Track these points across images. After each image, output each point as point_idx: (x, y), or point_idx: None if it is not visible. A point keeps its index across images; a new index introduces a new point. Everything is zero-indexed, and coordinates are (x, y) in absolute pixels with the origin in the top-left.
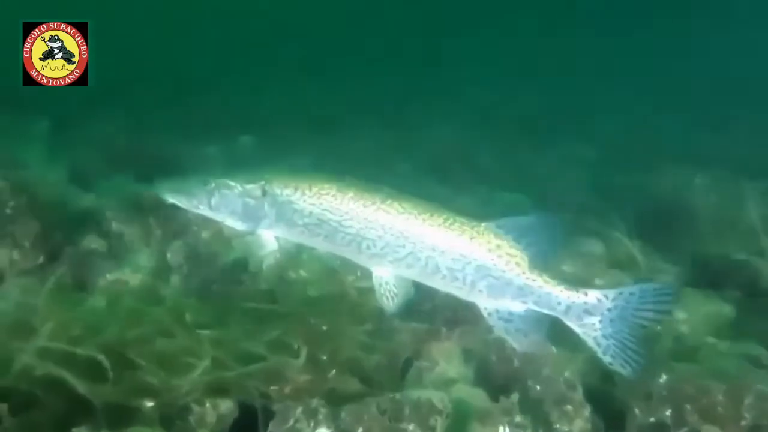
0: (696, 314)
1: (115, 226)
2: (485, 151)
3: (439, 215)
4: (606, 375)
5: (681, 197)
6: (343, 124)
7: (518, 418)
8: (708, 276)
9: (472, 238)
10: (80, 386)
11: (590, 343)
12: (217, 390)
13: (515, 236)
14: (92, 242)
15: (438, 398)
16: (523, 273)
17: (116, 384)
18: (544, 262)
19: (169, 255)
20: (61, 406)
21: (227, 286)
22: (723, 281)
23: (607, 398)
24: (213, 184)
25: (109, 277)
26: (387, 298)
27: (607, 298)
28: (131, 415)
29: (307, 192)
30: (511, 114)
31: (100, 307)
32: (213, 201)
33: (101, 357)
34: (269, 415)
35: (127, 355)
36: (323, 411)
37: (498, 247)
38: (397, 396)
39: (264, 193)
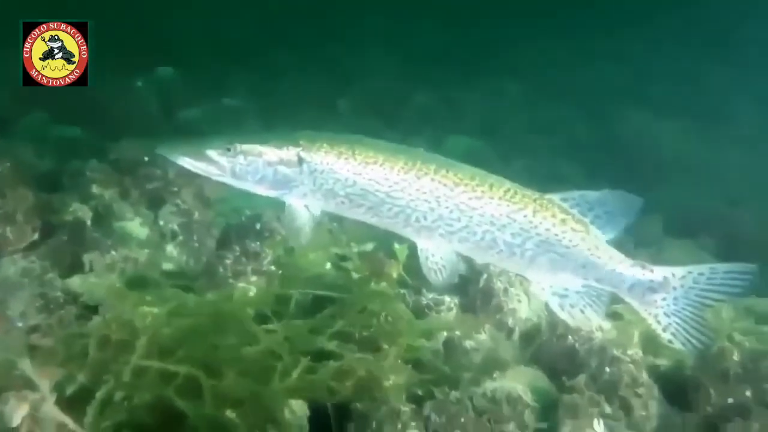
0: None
1: (96, 189)
2: (419, 89)
3: (499, 186)
4: (670, 353)
5: (647, 143)
6: (273, 61)
7: (608, 409)
8: (682, 224)
9: (535, 212)
10: (183, 405)
11: (650, 320)
12: (293, 392)
13: (581, 210)
14: (78, 211)
15: (521, 390)
16: (588, 249)
17: (209, 398)
18: (610, 237)
19: (161, 223)
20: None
21: (241, 259)
22: (698, 230)
23: (675, 379)
24: (238, 149)
25: (116, 254)
26: (435, 272)
27: (674, 276)
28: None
29: (351, 160)
30: (436, 49)
31: (165, 309)
32: (237, 168)
33: (199, 373)
34: (343, 414)
35: (214, 365)
36: (406, 411)
37: (563, 221)
38: (486, 391)
39: (300, 159)
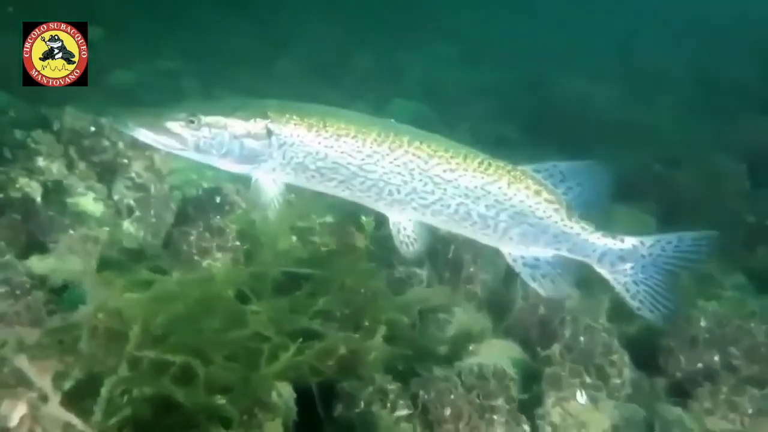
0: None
1: (42, 163)
2: (360, 51)
3: (473, 158)
4: (636, 320)
5: (584, 107)
6: (204, 19)
7: (588, 379)
8: (624, 188)
9: (509, 184)
10: (180, 395)
11: (618, 288)
12: (281, 374)
13: (553, 182)
14: (26, 187)
15: (505, 364)
16: (561, 220)
17: (203, 386)
18: (581, 208)
19: (116, 198)
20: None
21: (205, 235)
22: (639, 193)
23: (644, 344)
24: (203, 121)
25: (74, 234)
26: (406, 245)
27: (643, 244)
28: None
29: (322, 132)
30: (373, 11)
31: (148, 294)
32: (201, 141)
33: (196, 362)
34: (329, 395)
35: (205, 351)
36: (393, 388)
37: (536, 193)
38: (473, 367)
39: (269, 132)
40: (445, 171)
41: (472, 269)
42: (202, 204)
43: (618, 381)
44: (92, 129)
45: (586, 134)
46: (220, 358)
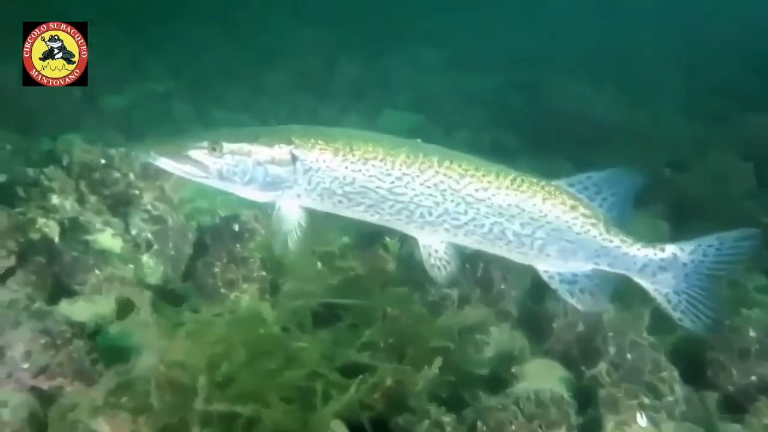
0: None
1: (56, 200)
2: (347, 60)
3: (505, 176)
4: (675, 332)
5: (581, 112)
6: (194, 39)
7: (646, 400)
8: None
9: (544, 200)
10: None
11: (660, 299)
12: (338, 413)
13: (588, 194)
14: (45, 227)
15: (556, 387)
16: (600, 235)
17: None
18: (618, 218)
19: (134, 232)
20: None
21: (230, 266)
22: (646, 197)
23: (685, 358)
24: (225, 148)
25: (100, 274)
26: (438, 268)
27: (683, 251)
28: None
29: (349, 156)
30: (359, 19)
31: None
32: (225, 169)
33: (263, 411)
34: (380, 429)
35: (266, 396)
36: (449, 420)
37: (573, 208)
38: (530, 393)
39: (294, 158)
40: (477, 190)
41: (502, 286)
42: (220, 233)
43: (671, 399)
44: (102, 161)
45: (587, 139)
46: (277, 401)
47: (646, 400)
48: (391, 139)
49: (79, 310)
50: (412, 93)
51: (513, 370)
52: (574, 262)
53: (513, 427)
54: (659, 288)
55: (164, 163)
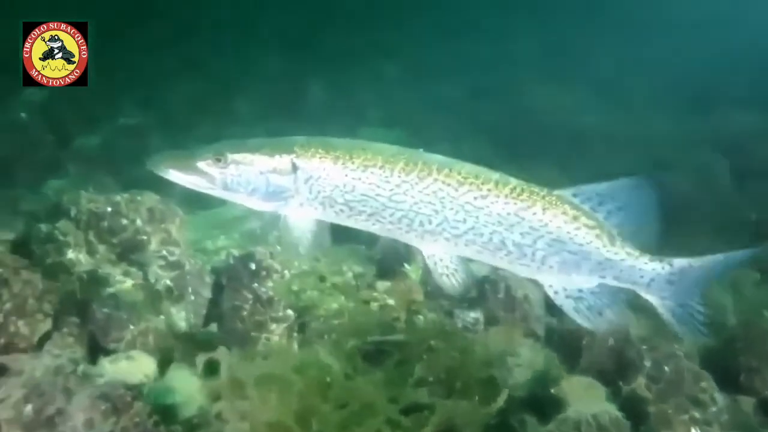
0: None
1: (72, 254)
2: (313, 81)
3: (505, 184)
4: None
5: (555, 116)
6: (161, 72)
7: (696, 414)
8: None
9: (544, 209)
10: None
11: (664, 311)
12: None
13: (592, 205)
14: (68, 284)
15: (606, 407)
16: (604, 246)
17: None
18: (627, 231)
19: (152, 280)
20: None
21: (257, 307)
22: None
23: (721, 363)
24: (229, 159)
25: (134, 329)
26: (447, 277)
27: (691, 266)
28: None
29: (349, 164)
30: (317, 38)
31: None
32: (229, 179)
33: None
34: None
35: None
36: None
37: (574, 218)
38: (588, 418)
39: (294, 167)
40: (476, 198)
41: (526, 306)
42: (236, 273)
43: (714, 408)
44: (109, 209)
45: (563, 144)
46: None
47: (697, 414)
48: (393, 148)
49: (123, 369)
50: (382, 108)
51: (552, 390)
52: (579, 276)
53: None
54: (666, 303)
55: (173, 175)
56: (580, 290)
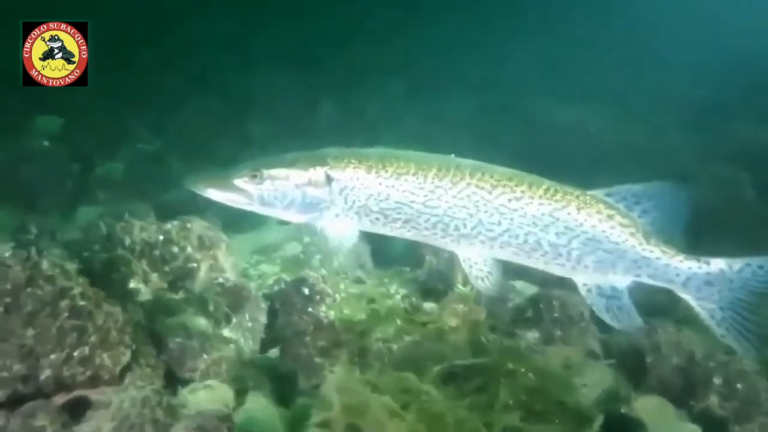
0: None
1: (133, 284)
2: (324, 98)
3: (539, 185)
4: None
5: (571, 131)
6: (174, 96)
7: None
8: None
9: (579, 209)
10: None
11: (704, 315)
12: None
13: (627, 205)
14: (136, 315)
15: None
16: (639, 244)
17: None
18: (660, 231)
19: (211, 308)
20: None
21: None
22: None
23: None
24: (265, 174)
25: (207, 357)
26: (482, 279)
27: (731, 268)
28: None
29: (382, 173)
30: (325, 57)
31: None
32: (266, 194)
33: None
34: None
35: None
36: None
37: (609, 217)
38: None
39: (329, 178)
40: (510, 200)
41: (582, 324)
42: (290, 298)
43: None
44: (161, 238)
45: (583, 159)
46: None
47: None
48: (425, 155)
49: (203, 399)
50: (394, 125)
51: (623, 410)
52: (614, 275)
53: None
54: (704, 303)
55: (212, 194)
56: (614, 288)
